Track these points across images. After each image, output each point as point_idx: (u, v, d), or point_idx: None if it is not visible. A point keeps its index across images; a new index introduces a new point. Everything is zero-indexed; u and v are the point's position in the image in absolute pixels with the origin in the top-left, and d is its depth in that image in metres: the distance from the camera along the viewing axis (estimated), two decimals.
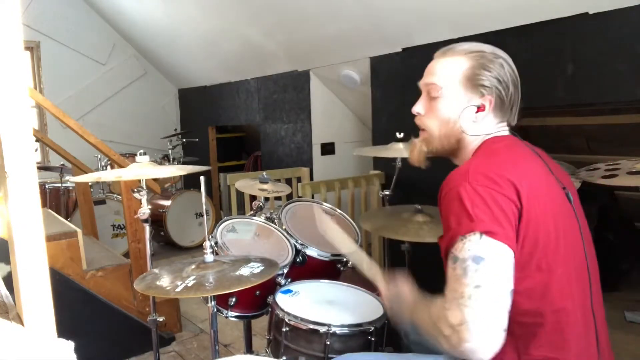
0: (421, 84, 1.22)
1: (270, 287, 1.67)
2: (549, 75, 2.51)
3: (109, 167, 4.33)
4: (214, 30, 4.39)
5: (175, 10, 4.47)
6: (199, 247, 4.36)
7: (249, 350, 2.04)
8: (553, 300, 1.01)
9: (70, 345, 0.91)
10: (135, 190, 1.89)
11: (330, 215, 2.10)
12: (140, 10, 4.81)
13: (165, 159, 4.81)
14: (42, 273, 0.93)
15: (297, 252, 1.81)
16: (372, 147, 3.05)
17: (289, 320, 1.45)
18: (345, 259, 1.89)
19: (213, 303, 1.47)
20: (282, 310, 1.49)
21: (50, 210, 3.21)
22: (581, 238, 1.10)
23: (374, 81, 3.55)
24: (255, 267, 1.42)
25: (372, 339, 1.42)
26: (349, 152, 4.24)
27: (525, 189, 0.99)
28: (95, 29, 5.42)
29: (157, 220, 4.35)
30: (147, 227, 1.94)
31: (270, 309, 1.59)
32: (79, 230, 2.48)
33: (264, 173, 2.31)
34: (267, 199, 2.37)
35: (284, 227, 1.90)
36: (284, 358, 1.47)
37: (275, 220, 1.97)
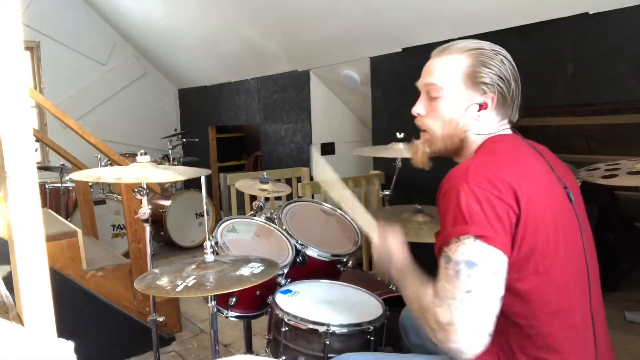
0: (420, 84, 1.20)
1: (270, 287, 1.67)
2: (549, 75, 2.51)
3: (109, 167, 4.33)
4: (214, 30, 4.39)
5: (175, 10, 4.47)
6: (199, 247, 4.37)
7: (249, 350, 2.05)
8: (549, 302, 1.01)
9: (70, 345, 0.91)
10: (136, 190, 1.89)
11: (329, 215, 2.10)
12: (140, 10, 4.81)
13: (165, 159, 4.81)
14: (42, 273, 0.93)
15: (297, 252, 1.81)
16: (372, 147, 3.05)
17: (288, 320, 1.46)
18: (345, 259, 1.89)
19: (213, 303, 1.48)
20: (281, 310, 1.49)
21: (50, 210, 3.21)
22: (581, 238, 1.09)
23: (374, 81, 3.55)
24: (255, 267, 1.42)
25: (372, 338, 1.43)
26: (349, 152, 4.23)
27: (525, 192, 0.98)
28: (95, 29, 5.43)
29: (157, 220, 4.35)
30: (148, 227, 1.94)
31: (270, 309, 1.59)
32: (79, 230, 2.48)
33: (264, 173, 2.31)
34: (267, 199, 2.37)
35: (284, 227, 1.90)
36: (284, 358, 1.47)
37: (275, 220, 1.97)
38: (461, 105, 1.13)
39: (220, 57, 4.81)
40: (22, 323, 0.94)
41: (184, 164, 4.70)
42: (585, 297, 1.07)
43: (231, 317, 1.72)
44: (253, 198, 2.28)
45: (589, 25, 2.33)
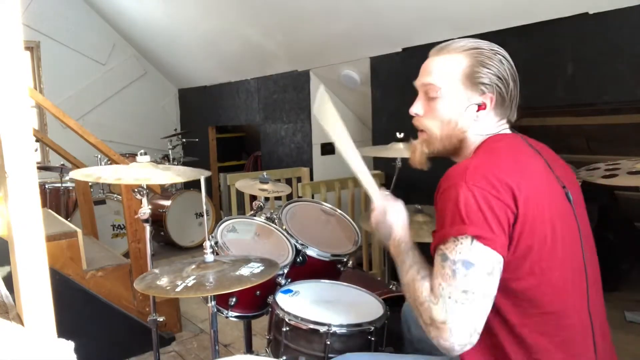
0: (418, 83, 1.19)
1: (271, 287, 1.67)
2: (548, 75, 2.51)
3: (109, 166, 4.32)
4: (214, 30, 4.39)
5: (175, 10, 4.47)
6: (199, 247, 4.36)
7: (249, 350, 2.04)
8: (544, 303, 1.01)
9: (70, 345, 0.91)
10: (136, 190, 1.89)
11: (329, 215, 2.10)
12: (140, 10, 4.81)
13: (165, 159, 4.81)
14: (42, 273, 0.93)
15: (297, 252, 1.81)
16: (372, 147, 3.04)
17: (289, 320, 1.46)
18: (345, 259, 1.89)
19: (213, 303, 1.48)
20: (282, 310, 1.49)
21: (50, 210, 3.21)
22: (580, 239, 1.09)
23: (374, 81, 3.55)
24: (256, 267, 1.41)
25: (372, 338, 1.43)
26: None
27: (523, 192, 0.98)
28: (95, 29, 5.43)
29: (157, 220, 4.35)
30: (148, 227, 1.93)
31: (270, 309, 1.59)
32: (79, 230, 2.48)
33: (264, 173, 2.31)
34: (267, 199, 2.37)
35: (284, 227, 1.90)
36: (284, 358, 1.47)
37: (276, 220, 1.97)
38: (460, 105, 1.12)
39: (220, 57, 4.81)
40: (22, 323, 0.94)
41: (184, 164, 4.70)
42: (583, 298, 1.06)
43: (231, 317, 1.72)
44: (253, 198, 2.28)
45: (589, 25, 2.32)
